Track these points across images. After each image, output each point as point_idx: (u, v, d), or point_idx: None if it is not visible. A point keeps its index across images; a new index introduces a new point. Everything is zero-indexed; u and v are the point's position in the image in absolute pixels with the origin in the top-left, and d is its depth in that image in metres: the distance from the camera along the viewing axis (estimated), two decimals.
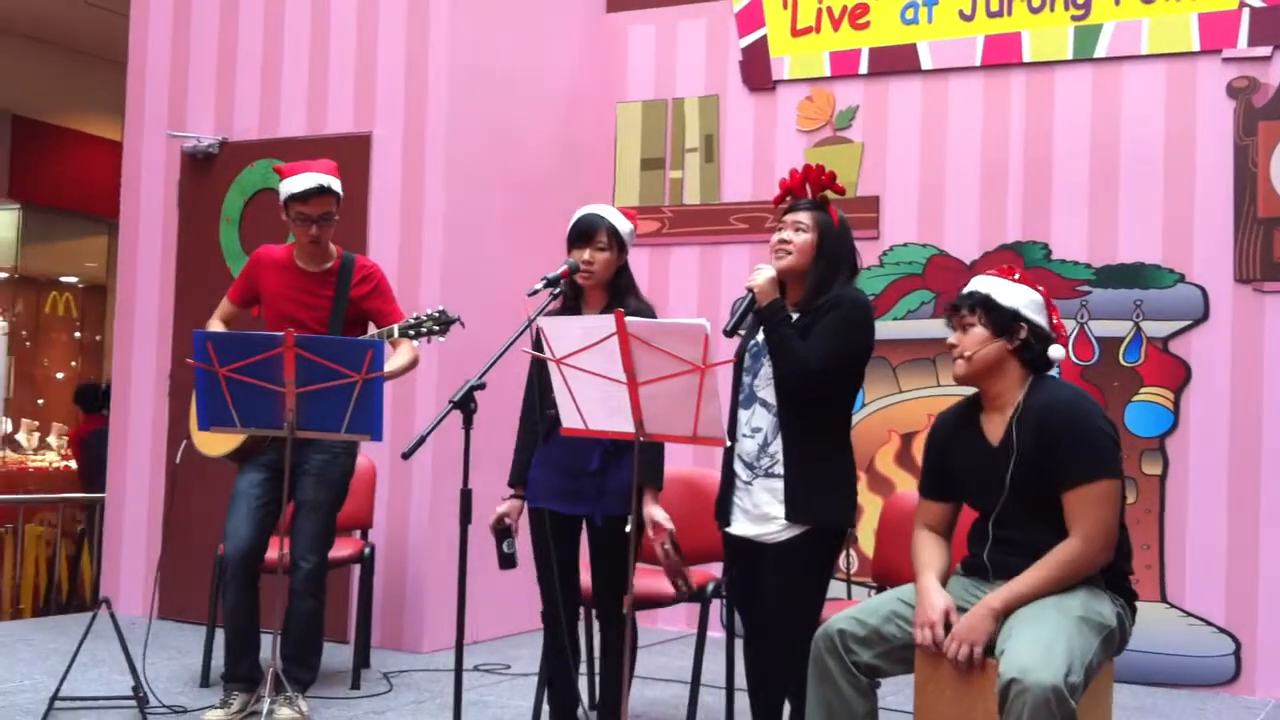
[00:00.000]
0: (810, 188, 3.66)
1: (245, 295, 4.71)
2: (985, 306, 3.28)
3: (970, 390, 3.38)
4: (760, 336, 3.60)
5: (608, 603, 3.89)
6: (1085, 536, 3.09)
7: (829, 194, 3.66)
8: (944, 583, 3.29)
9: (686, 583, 3.81)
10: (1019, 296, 3.30)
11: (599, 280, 3.89)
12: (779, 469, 3.53)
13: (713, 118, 6.51)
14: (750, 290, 3.52)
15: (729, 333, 3.53)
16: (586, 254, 3.85)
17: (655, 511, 3.74)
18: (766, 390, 3.57)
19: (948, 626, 3.14)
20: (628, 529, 3.50)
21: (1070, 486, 3.12)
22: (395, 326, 4.40)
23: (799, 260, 3.57)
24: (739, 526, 3.61)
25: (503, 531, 3.88)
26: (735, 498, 3.63)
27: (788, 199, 3.69)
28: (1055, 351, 3.28)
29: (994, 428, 3.27)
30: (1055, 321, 3.34)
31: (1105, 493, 3.12)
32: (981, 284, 3.35)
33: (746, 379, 3.63)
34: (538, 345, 3.47)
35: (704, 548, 4.25)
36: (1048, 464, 3.14)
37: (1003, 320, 3.25)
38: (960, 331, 3.31)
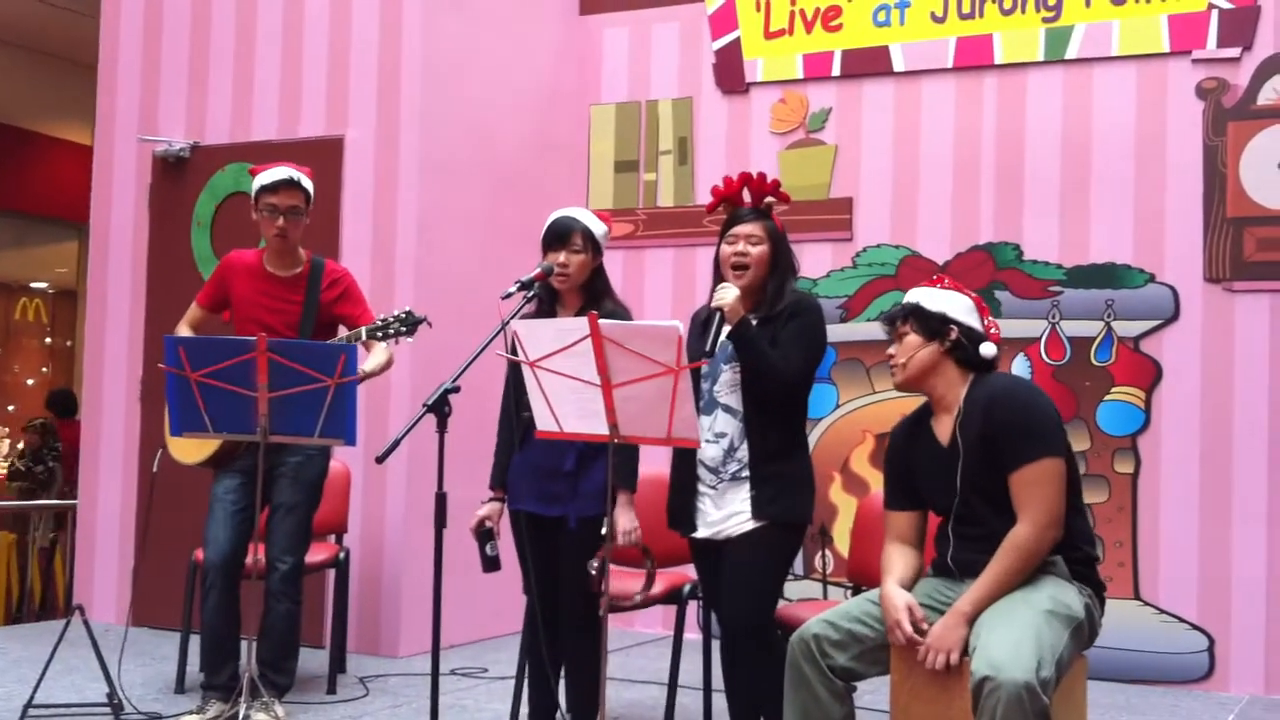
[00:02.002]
0: (752, 195, 3.68)
1: (215, 300, 4.69)
2: (915, 314, 3.36)
3: (919, 400, 3.42)
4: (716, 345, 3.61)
5: (577, 605, 3.89)
6: (1031, 519, 3.13)
7: (772, 201, 3.68)
8: (914, 583, 3.31)
9: (651, 567, 3.82)
10: (946, 301, 3.37)
11: (575, 283, 3.90)
12: (746, 473, 3.57)
13: (686, 120, 6.51)
14: (719, 310, 3.53)
15: (709, 354, 3.53)
16: (562, 257, 3.86)
17: (620, 519, 3.73)
18: (729, 396, 3.61)
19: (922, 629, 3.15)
20: (603, 531, 3.51)
21: (1013, 469, 3.16)
22: (363, 329, 4.41)
23: (758, 273, 3.63)
24: (703, 531, 3.65)
25: (485, 534, 3.89)
26: (698, 504, 3.65)
27: (722, 207, 3.71)
28: (986, 349, 3.33)
29: (944, 429, 3.33)
30: (987, 323, 3.41)
31: (1046, 471, 3.15)
32: (911, 295, 3.44)
33: (705, 385, 3.66)
34: (512, 349, 3.47)
35: (678, 549, 4.25)
36: (992, 454, 3.18)
37: (931, 324, 3.33)
38: (896, 342, 3.40)
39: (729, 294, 3.54)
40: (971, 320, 3.37)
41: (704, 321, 3.62)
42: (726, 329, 3.56)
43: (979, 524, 3.23)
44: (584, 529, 3.82)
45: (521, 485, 3.91)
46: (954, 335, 3.32)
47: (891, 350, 3.41)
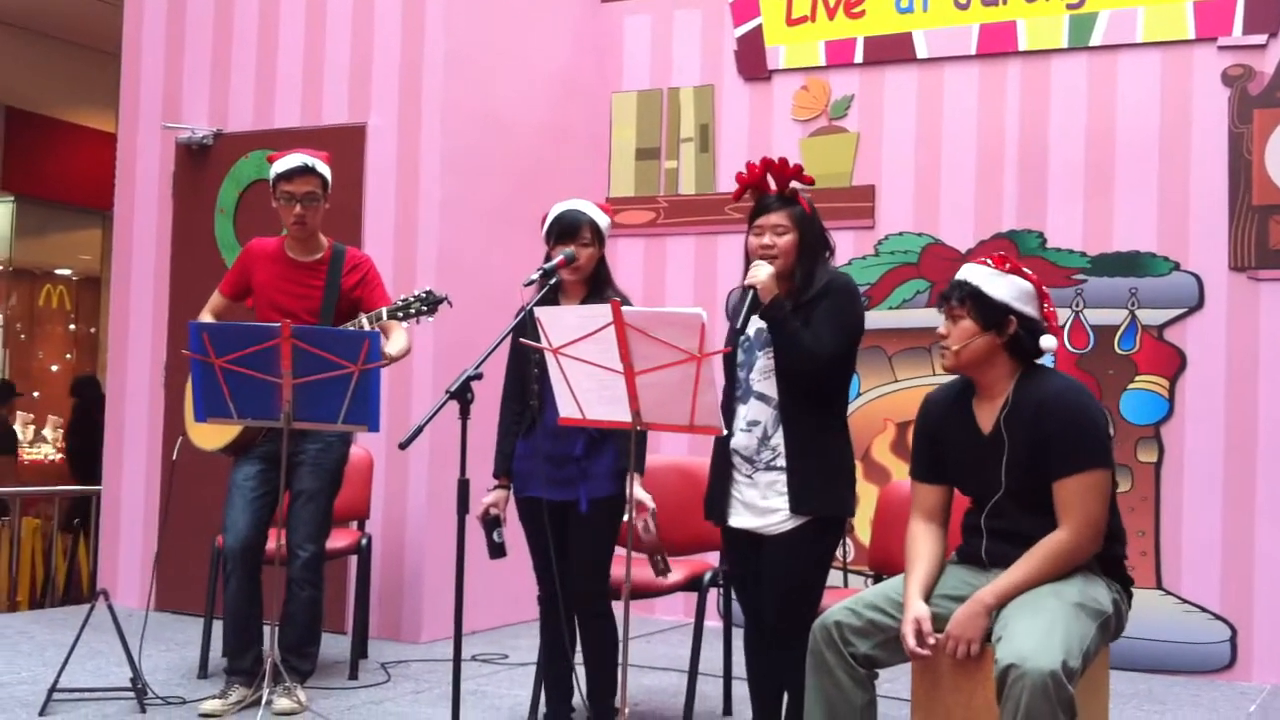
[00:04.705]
0: (775, 182, 3.62)
1: (237, 288, 4.71)
2: (975, 299, 3.23)
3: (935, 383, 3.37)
4: (751, 331, 3.59)
5: (592, 589, 3.91)
6: (1074, 527, 3.09)
7: (798, 186, 3.63)
8: (937, 578, 3.27)
9: (664, 560, 3.83)
10: (1009, 288, 3.24)
11: (583, 275, 3.94)
12: (780, 461, 3.53)
13: (708, 108, 6.50)
14: (752, 287, 3.50)
15: (741, 329, 3.50)
16: (572, 250, 3.88)
17: (639, 491, 3.77)
18: (763, 384, 3.57)
19: (938, 627, 3.14)
20: (625, 518, 3.54)
21: (1060, 476, 3.11)
22: (384, 310, 4.42)
23: (785, 263, 3.56)
24: (739, 519, 3.61)
25: (491, 522, 3.93)
26: (734, 491, 3.62)
27: (747, 194, 3.67)
28: (1047, 342, 3.24)
29: (985, 416, 3.27)
30: (1047, 309, 3.29)
31: (1095, 483, 3.11)
32: (971, 274, 3.29)
33: (741, 374, 3.63)
34: (534, 335, 3.48)
35: (699, 537, 4.26)
36: (1040, 456, 3.13)
37: (992, 314, 3.22)
38: (950, 322, 3.28)
39: (762, 271, 3.50)
40: (1030, 309, 3.24)
41: (738, 302, 3.59)
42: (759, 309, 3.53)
43: (1015, 520, 3.19)
44: (594, 510, 3.86)
45: (532, 472, 3.93)
46: (1013, 328, 3.21)
47: (944, 330, 3.28)
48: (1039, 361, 3.32)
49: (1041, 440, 3.13)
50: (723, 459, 3.65)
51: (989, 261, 3.31)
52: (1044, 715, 2.82)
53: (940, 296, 3.34)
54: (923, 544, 3.31)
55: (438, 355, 5.58)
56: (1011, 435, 3.18)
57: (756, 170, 3.62)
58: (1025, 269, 3.33)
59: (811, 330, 3.49)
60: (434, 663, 5.23)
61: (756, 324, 3.55)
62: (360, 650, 5.11)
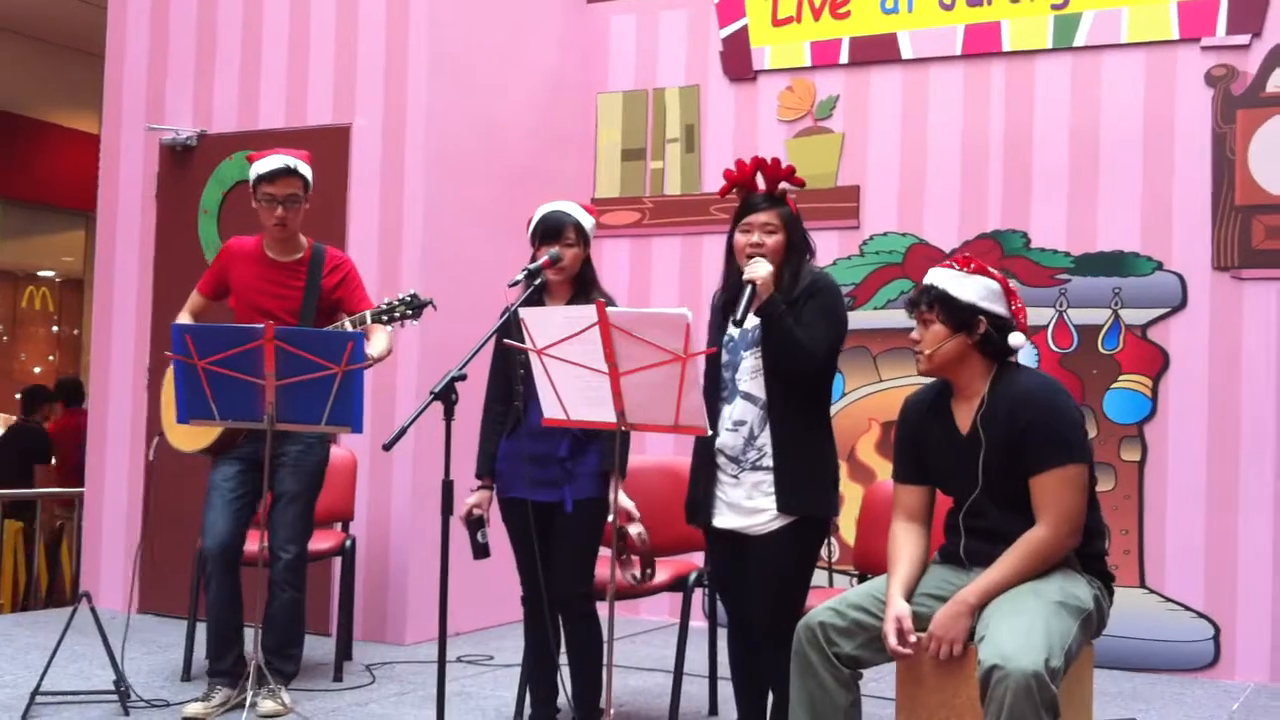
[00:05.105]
0: (766, 182, 3.62)
1: (216, 288, 4.68)
2: (942, 302, 3.26)
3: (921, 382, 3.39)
4: (736, 332, 3.59)
5: (577, 590, 3.90)
6: (1052, 522, 3.11)
7: (787, 187, 3.63)
8: (919, 578, 3.28)
9: (653, 569, 3.82)
10: (975, 289, 3.26)
11: (568, 275, 3.93)
12: (767, 461, 3.53)
13: (694, 108, 6.50)
14: (751, 282, 3.50)
15: (740, 323, 3.50)
16: (557, 250, 3.88)
17: (624, 499, 3.77)
18: (749, 383, 3.57)
19: (920, 626, 3.15)
20: (610, 519, 3.53)
21: (1036, 472, 3.13)
22: (367, 313, 4.40)
23: (774, 261, 3.57)
24: (724, 520, 3.61)
25: (475, 523, 3.93)
26: (719, 492, 3.62)
27: (734, 191, 3.66)
28: (1015, 339, 3.25)
29: (963, 416, 3.29)
30: (1015, 307, 3.31)
31: (1071, 477, 3.13)
32: (937, 278, 3.31)
33: (726, 374, 3.63)
34: (519, 336, 3.48)
35: (683, 537, 4.26)
36: (1016, 454, 3.15)
37: (960, 315, 3.24)
38: (921, 326, 3.31)
39: (762, 268, 3.50)
40: (999, 307, 3.27)
41: (732, 298, 3.57)
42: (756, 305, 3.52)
43: (993, 518, 3.21)
44: (579, 510, 3.87)
45: (517, 473, 3.92)
46: (982, 328, 3.23)
47: (915, 335, 3.32)
48: (1021, 361, 3.34)
49: (1016, 438, 3.15)
50: (706, 459, 3.64)
51: (954, 264, 3.33)
52: (1027, 716, 2.83)
53: (909, 302, 3.36)
54: (904, 544, 3.33)
55: (422, 356, 5.56)
56: (988, 434, 3.20)
57: (747, 168, 3.63)
58: (990, 268, 3.35)
59: (803, 329, 3.50)
60: (419, 664, 5.22)
61: (746, 324, 3.55)
62: (345, 652, 5.10)
